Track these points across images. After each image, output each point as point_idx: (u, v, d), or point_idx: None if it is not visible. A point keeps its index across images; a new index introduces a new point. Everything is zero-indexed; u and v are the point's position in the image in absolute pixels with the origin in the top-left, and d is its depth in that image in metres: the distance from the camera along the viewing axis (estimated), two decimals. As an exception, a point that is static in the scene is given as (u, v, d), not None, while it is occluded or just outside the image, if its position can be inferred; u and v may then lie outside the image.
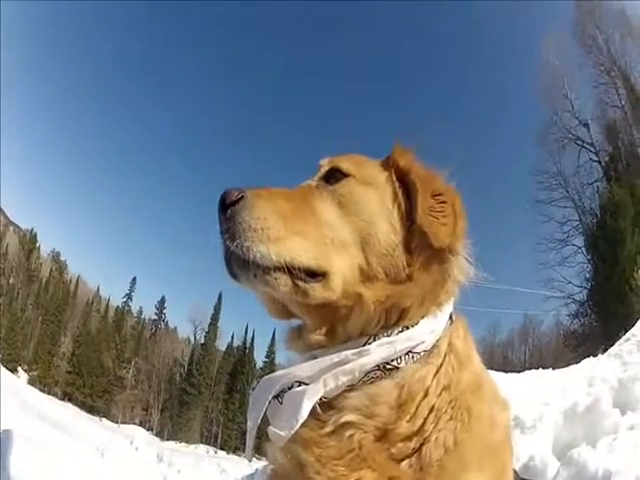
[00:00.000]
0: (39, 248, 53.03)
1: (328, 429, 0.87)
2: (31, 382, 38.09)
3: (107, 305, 54.13)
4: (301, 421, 0.85)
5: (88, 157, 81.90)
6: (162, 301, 54.72)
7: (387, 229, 0.95)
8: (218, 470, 8.15)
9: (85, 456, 5.24)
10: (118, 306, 54.06)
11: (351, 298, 0.90)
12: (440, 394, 0.88)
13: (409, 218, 0.97)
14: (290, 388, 0.89)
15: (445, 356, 0.92)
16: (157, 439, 41.03)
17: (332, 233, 0.92)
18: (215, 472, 7.84)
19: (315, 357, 0.91)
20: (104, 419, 40.87)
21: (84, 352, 46.88)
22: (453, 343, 0.94)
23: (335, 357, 0.86)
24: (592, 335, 28.86)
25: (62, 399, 38.82)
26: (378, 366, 0.87)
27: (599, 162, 31.72)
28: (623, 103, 29.79)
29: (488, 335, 42.60)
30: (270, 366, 51.18)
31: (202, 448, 43.42)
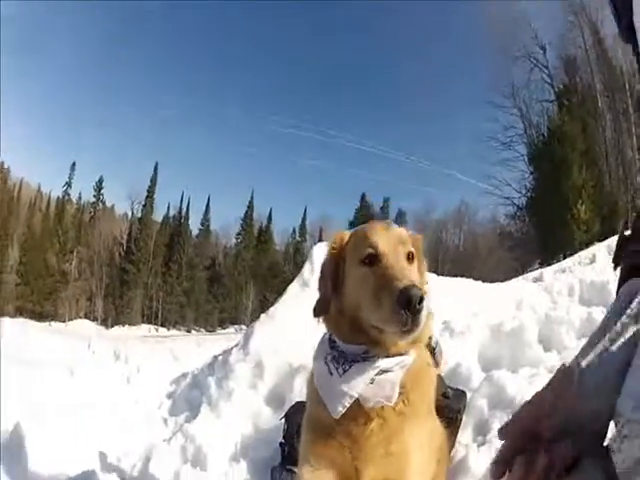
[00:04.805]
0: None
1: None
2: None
3: (48, 200, 50.56)
4: (396, 396, 1.47)
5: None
6: (100, 181, 51.35)
7: None
8: (172, 358, 8.47)
9: (63, 380, 5.21)
10: (59, 197, 50.72)
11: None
12: (411, 382, 1.54)
13: None
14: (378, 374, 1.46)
15: (415, 367, 1.54)
16: (103, 328, 41.36)
17: None
18: (170, 361, 8.17)
19: (366, 356, 1.48)
20: (53, 322, 39.98)
21: (30, 258, 44.46)
22: (419, 359, 1.57)
23: (395, 360, 1.47)
24: (528, 241, 29.07)
25: (14, 316, 37.36)
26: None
27: (552, 86, 30.29)
28: (587, 47, 27.81)
29: (422, 212, 43.29)
30: (205, 233, 51.26)
31: (144, 328, 43.93)
